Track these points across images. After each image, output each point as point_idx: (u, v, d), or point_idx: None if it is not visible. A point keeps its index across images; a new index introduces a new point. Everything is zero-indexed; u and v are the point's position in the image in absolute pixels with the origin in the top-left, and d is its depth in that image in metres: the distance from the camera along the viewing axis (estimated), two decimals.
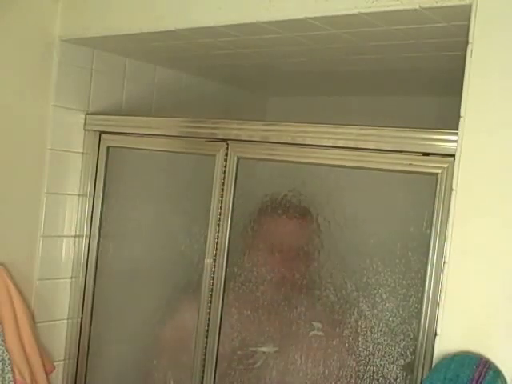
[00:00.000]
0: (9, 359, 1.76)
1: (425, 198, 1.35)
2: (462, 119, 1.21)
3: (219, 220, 1.71)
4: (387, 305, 1.42)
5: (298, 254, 1.63)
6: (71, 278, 2.09)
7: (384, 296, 1.43)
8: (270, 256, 1.68)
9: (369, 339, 1.45)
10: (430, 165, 1.33)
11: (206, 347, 1.73)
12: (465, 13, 1.23)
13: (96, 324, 2.07)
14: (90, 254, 2.07)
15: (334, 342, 1.53)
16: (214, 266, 1.72)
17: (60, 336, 2.08)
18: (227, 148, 1.69)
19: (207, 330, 1.73)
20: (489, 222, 1.17)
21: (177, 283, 1.93)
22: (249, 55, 1.92)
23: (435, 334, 1.23)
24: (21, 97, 1.89)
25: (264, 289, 1.68)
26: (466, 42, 1.21)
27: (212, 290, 1.72)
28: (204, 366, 1.74)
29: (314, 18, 1.43)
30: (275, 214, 1.68)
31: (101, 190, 2.05)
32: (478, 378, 1.09)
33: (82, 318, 2.08)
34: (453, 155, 1.24)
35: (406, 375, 1.39)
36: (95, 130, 2.05)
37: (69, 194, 2.05)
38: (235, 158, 1.68)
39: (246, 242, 1.72)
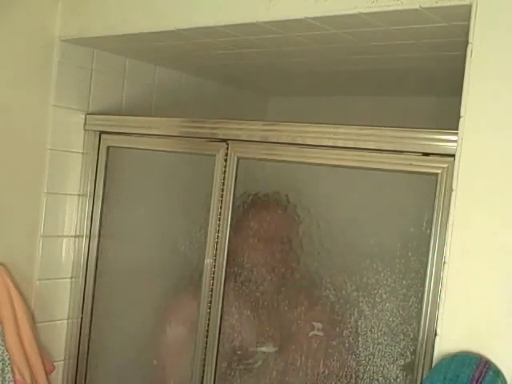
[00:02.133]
0: (9, 359, 1.76)
1: (425, 197, 1.35)
2: (462, 119, 1.21)
3: (219, 220, 1.71)
4: (387, 305, 1.42)
5: (294, 251, 1.63)
6: (71, 278, 2.09)
7: (384, 296, 1.43)
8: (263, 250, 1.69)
9: (369, 339, 1.45)
10: (429, 165, 1.33)
11: (206, 347, 1.73)
12: (465, 13, 1.23)
13: (96, 324, 2.07)
14: (90, 254, 2.07)
15: (334, 342, 1.53)
16: (214, 265, 1.72)
17: (60, 336, 2.08)
18: (227, 148, 1.70)
19: (207, 330, 1.73)
20: (489, 222, 1.17)
21: (177, 283, 1.93)
22: (249, 55, 1.92)
23: (435, 334, 1.23)
24: (21, 97, 1.89)
25: (264, 289, 1.68)
26: (466, 42, 1.21)
27: (212, 290, 1.72)
28: (204, 365, 1.74)
29: (314, 18, 1.43)
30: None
31: (101, 190, 2.05)
32: (478, 377, 1.09)
33: (82, 318, 2.08)
34: (453, 155, 1.24)
35: (406, 375, 1.39)
36: (95, 130, 2.05)
37: (69, 194, 2.05)
38: (235, 158, 1.68)
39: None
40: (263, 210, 1.69)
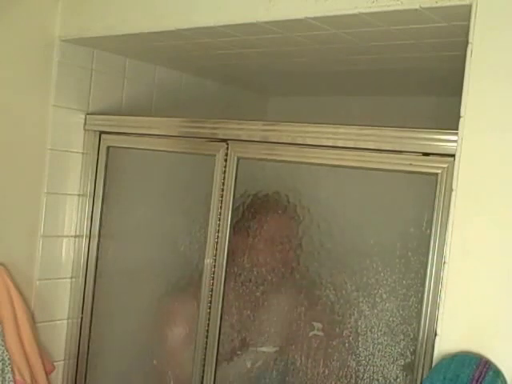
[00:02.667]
0: (9, 359, 1.76)
1: (425, 197, 1.35)
2: (462, 119, 1.21)
3: (219, 220, 1.71)
4: (387, 305, 1.42)
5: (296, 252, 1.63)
6: (71, 278, 2.09)
7: (384, 296, 1.43)
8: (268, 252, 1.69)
9: (369, 339, 1.45)
10: (430, 165, 1.33)
11: (205, 347, 1.73)
12: (465, 13, 1.23)
13: (96, 324, 2.07)
14: (90, 254, 2.07)
15: (334, 342, 1.52)
16: (214, 265, 1.72)
17: (60, 336, 2.08)
18: (227, 148, 1.69)
19: (207, 330, 1.73)
20: (489, 222, 1.17)
21: (177, 283, 1.93)
22: (249, 55, 1.92)
23: (435, 334, 1.23)
24: (21, 97, 1.89)
25: (264, 289, 1.68)
26: (466, 42, 1.21)
27: (212, 290, 1.72)
28: (204, 365, 1.74)
29: (314, 18, 1.43)
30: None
31: (101, 190, 2.05)
32: (478, 378, 1.09)
33: (82, 318, 2.08)
34: (453, 155, 1.24)
35: (406, 375, 1.39)
36: (95, 130, 2.05)
37: (69, 194, 2.05)
38: (235, 158, 1.68)
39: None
40: (263, 210, 1.69)
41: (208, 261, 1.73)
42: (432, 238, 1.32)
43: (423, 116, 2.27)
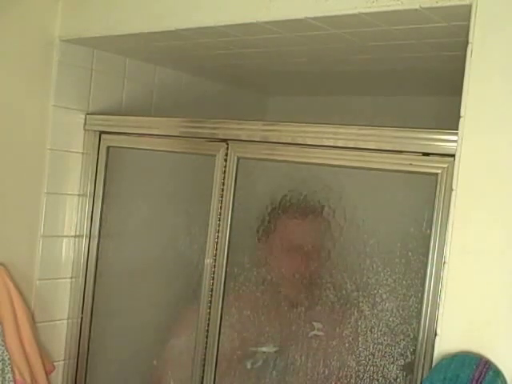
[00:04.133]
0: (9, 359, 1.76)
1: (425, 198, 1.35)
2: (462, 119, 1.21)
3: (219, 220, 1.71)
4: (387, 305, 1.42)
5: (307, 254, 1.62)
6: (71, 278, 2.09)
7: (384, 296, 1.43)
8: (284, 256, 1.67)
9: (369, 339, 1.45)
10: (429, 165, 1.33)
11: (205, 347, 1.73)
12: (465, 13, 1.23)
13: (96, 324, 2.07)
14: (90, 254, 2.07)
15: (334, 342, 1.52)
16: (214, 265, 1.72)
17: (60, 336, 2.08)
18: (227, 148, 1.70)
19: (207, 330, 1.73)
20: (489, 222, 1.17)
21: (177, 283, 1.93)
22: (249, 55, 1.92)
23: (435, 334, 1.23)
24: (21, 97, 1.89)
25: (264, 288, 1.68)
26: (466, 42, 1.21)
27: (212, 290, 1.72)
28: (204, 365, 1.74)
29: (314, 18, 1.43)
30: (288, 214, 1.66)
31: (101, 190, 2.05)
32: (478, 377, 1.09)
33: (82, 318, 2.08)
34: (453, 155, 1.24)
35: (406, 375, 1.39)
36: (95, 130, 2.05)
37: (69, 194, 2.05)
38: (235, 158, 1.68)
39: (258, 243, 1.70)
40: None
41: (208, 261, 1.73)
42: (432, 238, 1.32)
43: (423, 116, 2.27)
